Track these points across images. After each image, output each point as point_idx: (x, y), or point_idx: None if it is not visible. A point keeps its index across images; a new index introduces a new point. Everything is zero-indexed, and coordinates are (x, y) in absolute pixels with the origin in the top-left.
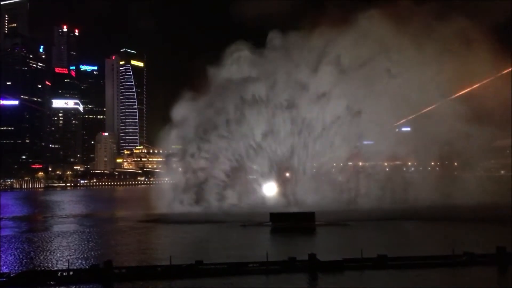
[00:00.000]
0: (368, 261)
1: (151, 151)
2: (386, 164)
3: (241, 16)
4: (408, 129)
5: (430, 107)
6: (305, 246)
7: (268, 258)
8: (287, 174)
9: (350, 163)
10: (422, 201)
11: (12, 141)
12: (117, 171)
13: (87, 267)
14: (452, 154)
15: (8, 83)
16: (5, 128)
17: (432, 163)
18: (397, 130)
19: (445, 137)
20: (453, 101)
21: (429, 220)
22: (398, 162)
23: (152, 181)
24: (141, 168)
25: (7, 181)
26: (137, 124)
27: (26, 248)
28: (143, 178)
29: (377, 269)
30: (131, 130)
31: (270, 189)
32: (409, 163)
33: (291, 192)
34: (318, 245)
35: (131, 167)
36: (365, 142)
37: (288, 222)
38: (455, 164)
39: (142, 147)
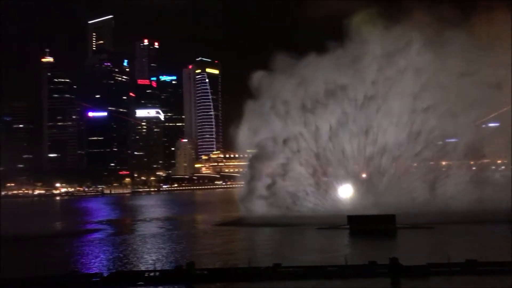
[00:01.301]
0: (455, 266)
1: (227, 156)
2: (472, 162)
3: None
4: (497, 124)
5: None
6: (386, 250)
7: (347, 262)
8: (364, 175)
9: (431, 163)
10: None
11: (102, 150)
12: (196, 176)
13: (171, 268)
14: None
15: (97, 96)
16: (95, 138)
17: None
18: (483, 126)
19: None
20: None
21: None
22: (486, 161)
23: (230, 184)
24: (218, 173)
25: (98, 187)
26: (214, 129)
27: (115, 249)
28: (221, 182)
29: (465, 275)
30: (208, 136)
31: (346, 191)
32: (499, 161)
33: (370, 193)
34: (400, 249)
35: (209, 171)
36: (448, 140)
37: (367, 225)
38: None
39: (219, 152)
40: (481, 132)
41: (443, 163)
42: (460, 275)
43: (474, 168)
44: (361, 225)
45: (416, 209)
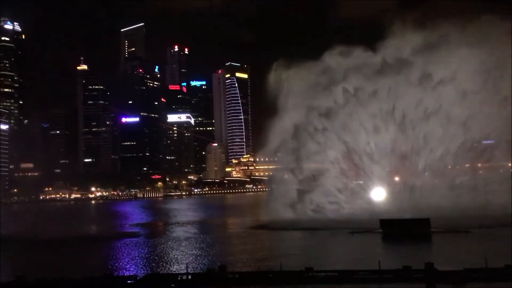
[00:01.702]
0: (493, 271)
1: (257, 160)
2: (510, 165)
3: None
4: None
5: None
6: (420, 254)
7: (381, 266)
8: (397, 178)
9: (467, 165)
10: None
11: (135, 155)
12: (226, 180)
13: (203, 271)
14: None
15: (129, 102)
16: (128, 143)
17: None
18: None
19: None
20: None
21: None
22: None
23: (260, 188)
24: (248, 176)
25: (132, 191)
26: (244, 133)
27: (149, 252)
28: (251, 185)
29: (504, 281)
30: (238, 139)
31: (378, 195)
32: None
33: (403, 196)
34: (435, 253)
35: (239, 175)
36: (485, 142)
37: (400, 229)
38: None
39: (249, 155)
40: None
41: (479, 165)
42: (498, 281)
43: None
44: (394, 229)
45: (452, 213)
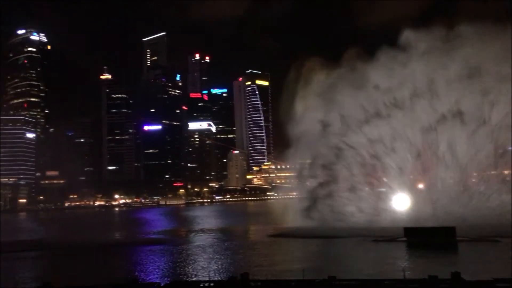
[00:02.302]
0: None
1: (278, 167)
2: None
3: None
4: None
5: None
6: (446, 263)
7: (406, 276)
8: (420, 186)
9: (493, 172)
10: None
11: (157, 162)
12: (247, 187)
13: (225, 279)
14: None
15: (152, 110)
16: (151, 151)
17: None
18: None
19: None
20: None
21: None
22: None
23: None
24: (270, 184)
25: (154, 199)
26: (265, 141)
27: (173, 259)
28: (273, 193)
29: None
30: (259, 147)
31: (401, 202)
32: None
33: (428, 204)
34: (461, 263)
35: (260, 182)
36: (510, 148)
37: (425, 237)
38: None
39: (270, 163)
40: None
41: (506, 172)
42: None
43: None
44: (419, 237)
45: (479, 221)
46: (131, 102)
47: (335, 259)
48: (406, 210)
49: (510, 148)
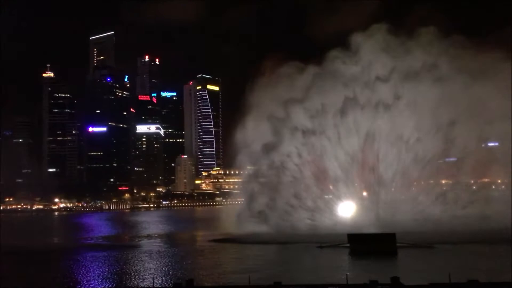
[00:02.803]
0: (457, 286)
1: (227, 172)
2: (472, 182)
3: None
4: (496, 144)
5: None
6: (386, 269)
7: (348, 281)
8: (364, 193)
9: (431, 181)
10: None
11: (101, 165)
12: (195, 192)
13: (170, 285)
14: None
15: (97, 111)
16: (95, 153)
17: None
18: (483, 145)
19: None
20: None
21: None
22: (486, 180)
23: (230, 201)
24: (218, 189)
25: (97, 203)
26: (214, 146)
27: (115, 266)
28: (221, 198)
29: None
30: (208, 152)
31: (346, 209)
32: (499, 181)
33: (371, 212)
34: (400, 268)
35: (209, 188)
36: (448, 159)
37: (367, 244)
38: None
39: (219, 168)
40: (481, 151)
41: (443, 181)
42: None
43: (474, 187)
44: (362, 243)
45: (417, 228)
46: (75, 102)
47: (281, 265)
48: (350, 217)
49: (447, 159)
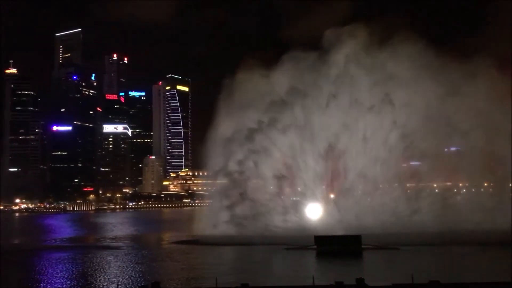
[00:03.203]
0: (419, 287)
1: (196, 174)
2: (435, 185)
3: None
4: (459, 148)
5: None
6: (352, 270)
7: (315, 282)
8: (332, 196)
9: (396, 185)
10: (472, 224)
11: (66, 165)
12: (163, 194)
13: None
14: (507, 174)
15: (62, 110)
16: (59, 152)
17: (485, 184)
18: (446, 150)
19: (499, 156)
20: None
21: (481, 245)
22: (448, 183)
23: (198, 203)
24: (186, 191)
25: (61, 204)
26: (183, 147)
27: (77, 268)
28: (189, 200)
29: None
30: (177, 153)
31: (314, 211)
32: (460, 184)
33: (338, 214)
34: (366, 269)
35: (177, 189)
36: (412, 163)
37: (334, 246)
38: (510, 185)
39: (187, 169)
40: (444, 156)
41: (407, 185)
42: None
43: (437, 190)
44: (328, 245)
45: (382, 231)
46: (39, 100)
47: (248, 267)
48: (318, 219)
49: (412, 163)
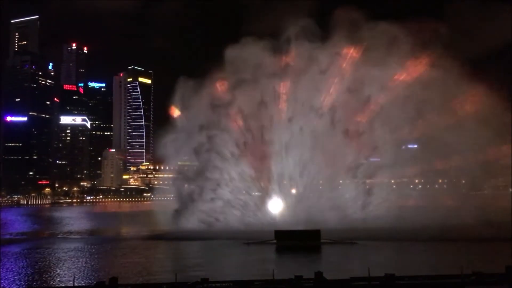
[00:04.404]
0: (376, 280)
1: (157, 168)
2: (392, 181)
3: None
4: (415, 146)
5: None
6: (311, 264)
7: (275, 276)
8: (293, 191)
9: (355, 180)
10: (427, 220)
11: (20, 157)
12: (123, 188)
13: (92, 284)
14: (460, 172)
15: (17, 99)
16: (13, 144)
17: (440, 181)
18: (403, 147)
19: (453, 154)
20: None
21: (436, 240)
22: (404, 180)
23: (158, 197)
24: (147, 185)
25: (14, 197)
26: (144, 140)
27: (31, 264)
28: (149, 194)
29: None
30: (137, 146)
31: (275, 206)
32: (416, 181)
33: (298, 209)
34: (324, 263)
35: (137, 183)
36: (371, 159)
37: (293, 240)
38: (463, 182)
39: (148, 163)
40: (401, 153)
41: (367, 181)
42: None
43: (394, 186)
44: (288, 240)
45: (340, 226)
46: None
47: (208, 261)
48: (279, 213)
49: (371, 159)
